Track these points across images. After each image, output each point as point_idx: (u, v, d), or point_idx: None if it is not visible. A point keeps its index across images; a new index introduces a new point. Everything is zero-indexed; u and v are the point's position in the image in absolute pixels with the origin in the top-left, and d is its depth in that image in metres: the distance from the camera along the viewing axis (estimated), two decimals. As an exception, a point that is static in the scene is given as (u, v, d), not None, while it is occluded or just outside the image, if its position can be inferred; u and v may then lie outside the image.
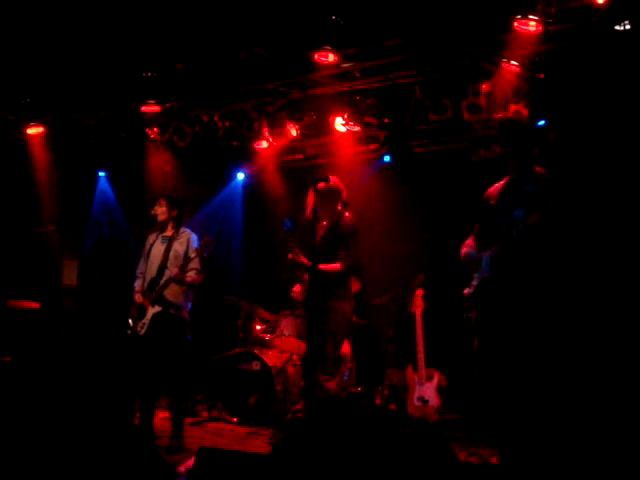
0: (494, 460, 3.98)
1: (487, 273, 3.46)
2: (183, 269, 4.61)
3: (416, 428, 0.97)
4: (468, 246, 3.72)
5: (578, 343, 4.86)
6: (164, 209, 4.82)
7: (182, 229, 4.85)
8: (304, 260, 4.60)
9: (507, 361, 3.35)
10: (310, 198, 4.50)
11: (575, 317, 4.83)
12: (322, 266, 4.40)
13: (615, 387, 4.59)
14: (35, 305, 5.76)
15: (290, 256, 4.65)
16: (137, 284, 4.82)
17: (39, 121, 6.68)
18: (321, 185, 4.46)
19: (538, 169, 3.54)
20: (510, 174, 3.62)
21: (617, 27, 4.26)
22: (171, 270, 4.64)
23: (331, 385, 4.46)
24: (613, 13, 4.19)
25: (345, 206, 4.73)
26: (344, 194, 4.73)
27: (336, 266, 4.56)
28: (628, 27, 4.22)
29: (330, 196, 4.61)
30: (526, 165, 3.54)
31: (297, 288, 5.89)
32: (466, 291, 3.57)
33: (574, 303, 4.83)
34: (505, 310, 3.38)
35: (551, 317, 3.43)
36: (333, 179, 4.65)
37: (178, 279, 4.59)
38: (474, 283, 3.54)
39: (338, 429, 0.95)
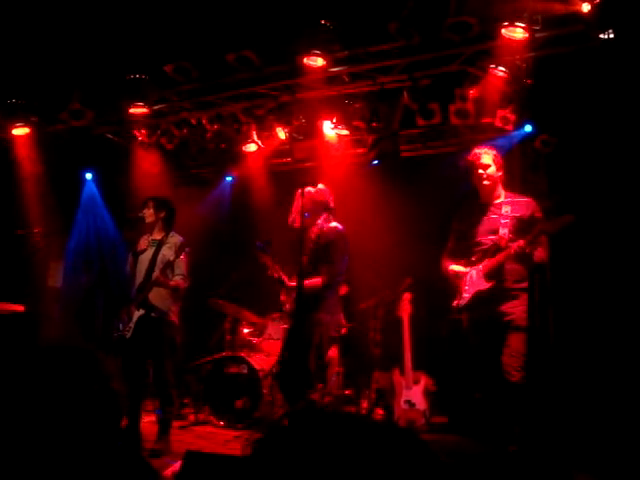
0: (482, 460, 4.01)
1: (482, 286, 3.67)
2: (165, 272, 4.55)
3: (400, 436, 0.97)
4: (450, 262, 3.96)
5: (581, 345, 4.91)
6: (151, 211, 4.79)
7: (172, 233, 4.80)
8: (285, 278, 4.56)
9: (504, 363, 3.55)
10: (297, 204, 4.39)
11: (575, 321, 4.89)
12: (305, 282, 4.29)
13: (615, 387, 4.61)
14: (20, 308, 5.68)
15: (275, 275, 4.64)
16: (130, 287, 4.78)
17: (25, 122, 6.62)
18: (309, 190, 4.38)
19: (507, 191, 3.93)
20: (481, 198, 3.95)
21: (602, 36, 4.33)
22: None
23: (314, 396, 4.41)
24: (598, 22, 4.26)
25: (330, 213, 4.59)
26: (331, 201, 4.64)
27: (317, 281, 4.44)
28: (612, 36, 4.30)
29: (318, 203, 4.51)
30: (497, 190, 3.92)
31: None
32: (455, 303, 3.77)
33: (574, 308, 4.90)
34: (505, 318, 3.67)
35: (551, 323, 3.69)
36: (320, 185, 4.59)
37: (160, 282, 4.55)
38: (465, 295, 3.74)
39: (318, 436, 0.94)
